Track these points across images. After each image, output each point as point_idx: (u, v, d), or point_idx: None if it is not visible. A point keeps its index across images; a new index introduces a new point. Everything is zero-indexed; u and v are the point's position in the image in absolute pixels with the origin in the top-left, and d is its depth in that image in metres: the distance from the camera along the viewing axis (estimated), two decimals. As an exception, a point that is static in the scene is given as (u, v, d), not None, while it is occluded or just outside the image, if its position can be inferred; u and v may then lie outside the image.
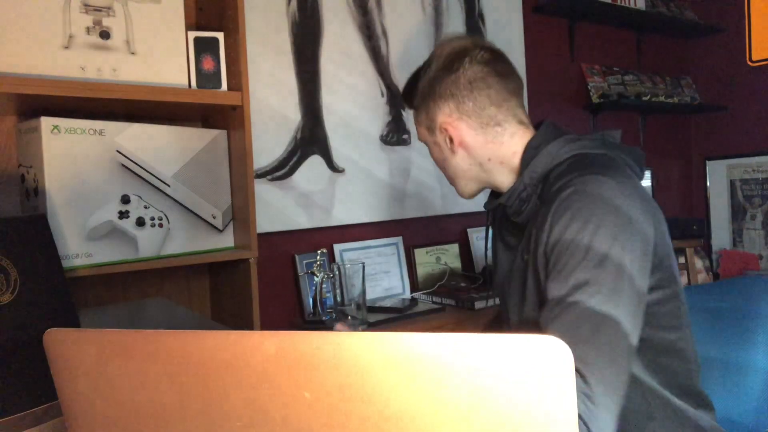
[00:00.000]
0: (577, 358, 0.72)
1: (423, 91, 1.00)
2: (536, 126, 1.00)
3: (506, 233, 1.03)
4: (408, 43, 2.06)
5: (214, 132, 1.41)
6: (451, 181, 1.06)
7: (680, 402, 0.92)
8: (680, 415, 0.92)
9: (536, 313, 0.88)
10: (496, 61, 0.97)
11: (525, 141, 0.97)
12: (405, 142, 2.04)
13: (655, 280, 0.86)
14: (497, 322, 1.26)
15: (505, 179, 0.99)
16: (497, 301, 1.18)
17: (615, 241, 0.78)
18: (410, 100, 1.06)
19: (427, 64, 1.01)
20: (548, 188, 0.90)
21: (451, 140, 0.99)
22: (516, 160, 0.97)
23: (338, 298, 1.54)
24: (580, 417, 0.72)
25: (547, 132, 0.96)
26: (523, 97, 1.02)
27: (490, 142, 0.98)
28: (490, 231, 1.13)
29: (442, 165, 1.05)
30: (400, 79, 2.03)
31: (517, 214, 0.95)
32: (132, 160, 1.26)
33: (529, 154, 0.95)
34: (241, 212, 1.41)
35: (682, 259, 2.50)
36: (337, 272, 1.54)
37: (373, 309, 1.71)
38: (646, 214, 0.83)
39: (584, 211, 0.80)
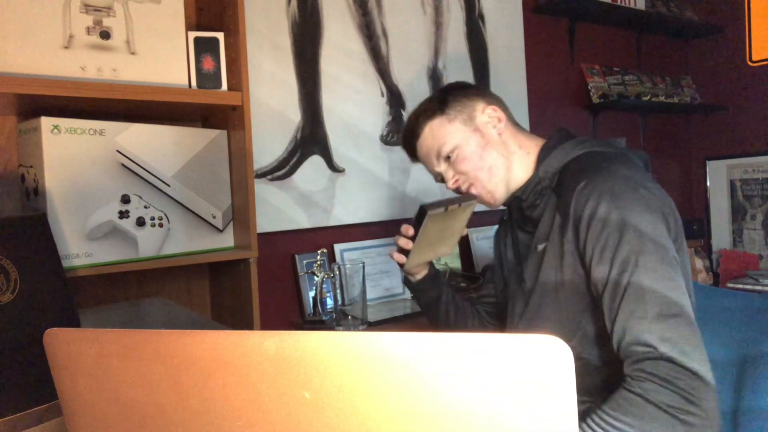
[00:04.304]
0: (656, 336, 0.78)
1: (452, 93, 1.10)
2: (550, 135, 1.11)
3: (520, 231, 1.10)
4: (408, 43, 2.06)
5: (214, 132, 1.41)
6: (488, 173, 1.06)
7: None
8: None
9: (544, 300, 0.97)
10: None
11: (539, 143, 1.08)
12: (405, 142, 2.04)
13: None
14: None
15: (523, 174, 1.06)
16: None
17: (647, 218, 0.84)
18: (429, 110, 1.09)
19: (434, 94, 1.15)
20: (566, 180, 0.97)
21: (498, 119, 1.07)
22: (533, 157, 1.06)
23: (338, 298, 1.54)
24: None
25: (561, 135, 1.07)
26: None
27: (519, 132, 1.09)
28: (505, 230, 1.20)
29: (480, 156, 1.05)
30: (400, 79, 2.03)
31: (532, 208, 1.02)
32: (132, 160, 1.26)
33: (544, 153, 1.05)
34: (241, 212, 1.41)
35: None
36: (337, 272, 1.54)
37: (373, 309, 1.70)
38: (664, 198, 0.90)
39: (614, 190, 0.86)
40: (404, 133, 1.16)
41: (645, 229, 0.82)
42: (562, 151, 1.01)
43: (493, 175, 1.05)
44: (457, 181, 1.09)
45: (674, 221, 0.90)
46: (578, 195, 0.89)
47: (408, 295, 1.98)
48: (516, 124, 1.11)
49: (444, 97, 1.10)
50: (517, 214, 1.07)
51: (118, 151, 1.24)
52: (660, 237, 0.83)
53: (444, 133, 1.07)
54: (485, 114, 1.08)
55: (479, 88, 1.15)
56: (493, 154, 1.05)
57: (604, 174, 0.88)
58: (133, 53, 1.28)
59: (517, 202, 1.05)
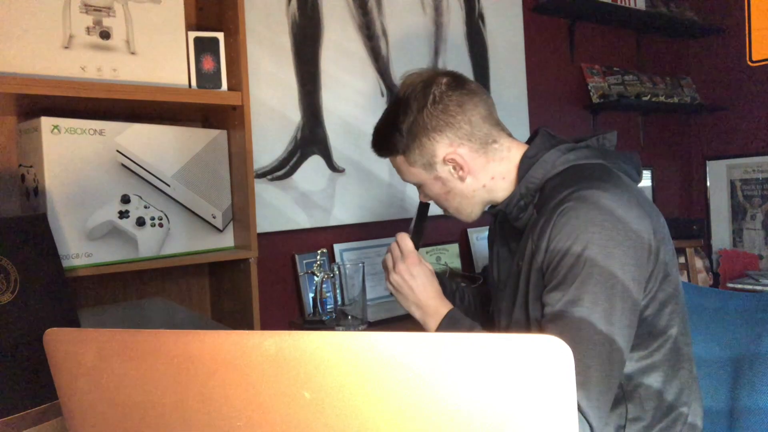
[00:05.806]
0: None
1: (413, 130, 0.95)
2: (532, 135, 1.01)
3: (509, 238, 1.04)
4: (408, 43, 2.06)
5: (214, 132, 1.41)
6: (456, 212, 1.04)
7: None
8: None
9: (524, 315, 0.92)
10: (464, 82, 0.97)
11: (521, 152, 0.98)
12: (405, 142, 2.04)
13: (656, 282, 0.87)
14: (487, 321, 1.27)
15: (507, 193, 0.99)
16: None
17: (609, 254, 0.80)
18: (391, 147, 0.99)
19: (400, 106, 0.97)
20: (544, 199, 0.91)
21: (461, 168, 0.96)
22: (510, 179, 0.98)
23: (338, 298, 1.54)
24: None
25: (543, 141, 0.97)
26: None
27: (492, 160, 0.97)
28: (494, 236, 1.14)
29: (444, 198, 1.02)
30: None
31: (516, 220, 0.98)
32: (132, 160, 1.26)
33: (525, 164, 0.96)
34: (241, 212, 1.41)
35: (682, 259, 2.50)
36: (337, 272, 1.54)
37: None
38: (644, 222, 0.83)
39: (581, 223, 0.81)
40: (373, 140, 1.06)
41: (606, 268, 0.80)
42: (546, 162, 0.93)
43: (462, 214, 1.04)
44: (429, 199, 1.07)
45: (661, 242, 0.86)
46: (553, 225, 0.84)
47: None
48: (487, 145, 0.97)
49: (402, 139, 0.97)
50: (503, 225, 1.03)
51: (118, 151, 1.24)
52: (621, 278, 0.80)
53: (407, 172, 1.01)
54: (446, 165, 0.97)
55: (452, 107, 0.94)
56: (457, 198, 1.01)
57: (578, 204, 0.82)
58: (133, 53, 1.27)
59: (501, 215, 1.00)
